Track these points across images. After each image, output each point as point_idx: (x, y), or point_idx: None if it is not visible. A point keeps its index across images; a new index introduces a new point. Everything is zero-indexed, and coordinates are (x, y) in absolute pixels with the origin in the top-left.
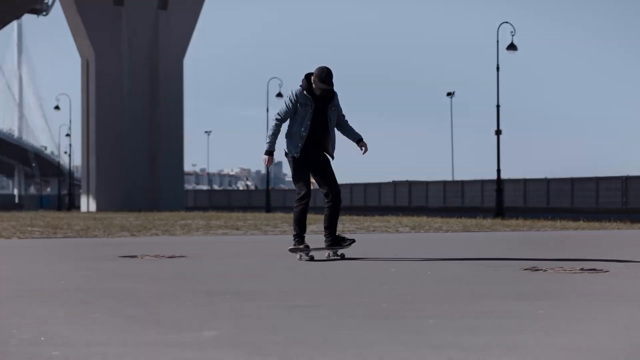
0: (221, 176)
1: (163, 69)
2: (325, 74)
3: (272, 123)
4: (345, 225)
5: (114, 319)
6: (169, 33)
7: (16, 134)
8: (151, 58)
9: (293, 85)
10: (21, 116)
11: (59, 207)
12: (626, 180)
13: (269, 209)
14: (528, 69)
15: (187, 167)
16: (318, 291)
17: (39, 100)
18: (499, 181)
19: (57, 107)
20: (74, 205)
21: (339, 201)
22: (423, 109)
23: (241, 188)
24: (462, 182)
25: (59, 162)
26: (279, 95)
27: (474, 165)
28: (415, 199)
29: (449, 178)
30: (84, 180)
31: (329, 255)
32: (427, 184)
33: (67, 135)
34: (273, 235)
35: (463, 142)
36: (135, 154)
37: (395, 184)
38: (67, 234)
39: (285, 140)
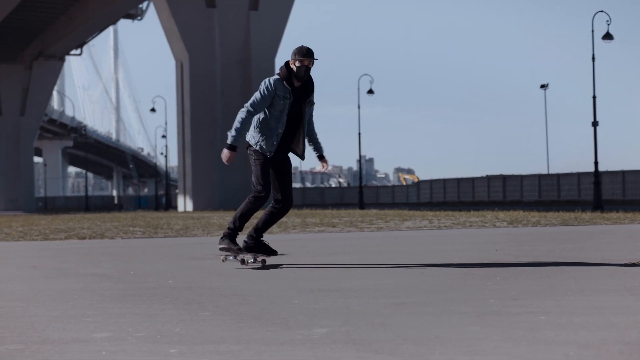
0: (313, 174)
1: (255, 68)
2: (305, 49)
3: (242, 115)
4: (442, 221)
5: (224, 317)
6: (261, 33)
7: (114, 136)
8: (243, 58)
9: (384, 82)
10: (118, 119)
11: (157, 207)
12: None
13: (362, 205)
14: (624, 58)
15: None
16: (421, 288)
17: (135, 103)
18: (597, 173)
19: (152, 110)
20: (170, 205)
21: (287, 210)
22: (516, 102)
23: (333, 185)
24: (558, 175)
25: (155, 163)
26: (370, 92)
27: (570, 158)
28: (510, 193)
29: (544, 171)
30: (180, 181)
31: (247, 260)
32: (521, 177)
33: (163, 136)
34: (369, 232)
35: (558, 134)
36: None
37: (489, 178)
38: (168, 234)
39: (255, 133)
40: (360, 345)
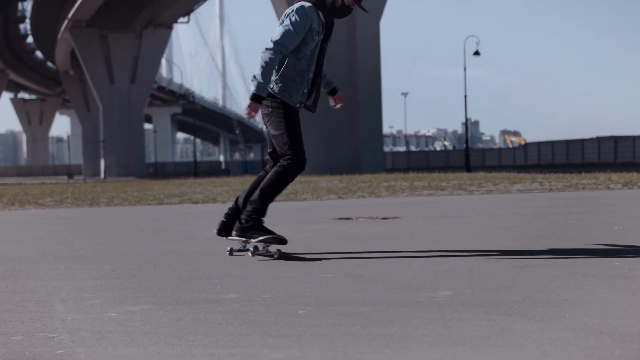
0: (417, 137)
1: (360, 31)
2: None
3: (270, 55)
4: (552, 184)
5: (347, 279)
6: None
7: (220, 102)
8: (348, 21)
9: (491, 44)
10: (224, 85)
11: None
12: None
13: (468, 168)
14: None
15: (384, 129)
16: (542, 250)
17: (241, 69)
18: None
19: None
20: None
21: (301, 170)
22: (629, 58)
23: (438, 148)
24: None
25: (261, 129)
26: (477, 53)
27: None
28: (621, 155)
29: None
30: None
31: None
32: (634, 138)
33: None
34: (479, 195)
35: None
36: (335, 118)
37: (599, 140)
38: (277, 198)
39: (281, 79)
40: (489, 307)
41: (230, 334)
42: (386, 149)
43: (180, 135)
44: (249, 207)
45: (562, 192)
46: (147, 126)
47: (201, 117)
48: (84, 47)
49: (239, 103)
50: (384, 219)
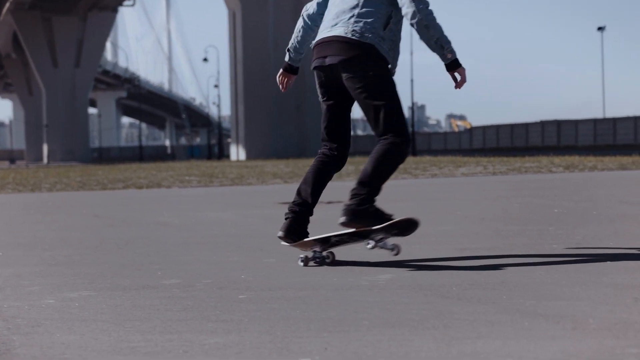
0: (364, 121)
1: None
2: None
3: (433, 17)
4: (496, 167)
5: (289, 264)
6: None
7: (166, 87)
8: (297, 7)
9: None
10: (171, 69)
11: (209, 156)
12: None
13: (414, 152)
14: None
15: None
16: (482, 234)
17: (187, 53)
18: None
19: (205, 59)
20: (223, 155)
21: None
22: (572, 45)
23: None
24: (614, 120)
25: (207, 113)
26: None
27: (627, 102)
28: (565, 138)
29: (599, 116)
30: (233, 130)
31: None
32: (576, 122)
33: (216, 86)
34: (424, 179)
35: (615, 78)
36: (282, 103)
37: (543, 124)
38: (223, 183)
39: (388, 47)
40: (428, 290)
41: (168, 320)
42: None
43: (126, 120)
44: (362, 191)
45: (505, 175)
46: (92, 110)
47: (147, 102)
48: (27, 30)
49: (185, 87)
50: (329, 203)
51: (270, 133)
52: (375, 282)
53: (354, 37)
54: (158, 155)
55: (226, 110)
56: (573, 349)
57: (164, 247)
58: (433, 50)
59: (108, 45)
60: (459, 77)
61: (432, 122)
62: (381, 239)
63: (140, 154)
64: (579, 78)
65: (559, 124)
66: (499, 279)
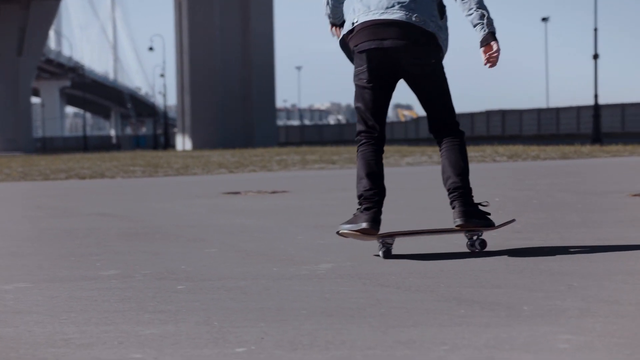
0: (312, 111)
1: (254, 5)
2: None
3: None
4: None
5: (230, 253)
6: None
7: (111, 76)
8: None
9: None
10: (116, 58)
11: (155, 146)
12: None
13: None
14: None
15: (279, 103)
16: (424, 223)
17: (133, 42)
18: (597, 107)
19: (150, 49)
20: (169, 144)
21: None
22: (517, 35)
23: (332, 122)
24: (557, 109)
25: (153, 103)
26: None
27: (570, 92)
28: (509, 128)
29: (543, 105)
30: (179, 120)
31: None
32: (520, 112)
33: (161, 75)
34: None
35: (558, 68)
36: (229, 92)
37: (488, 113)
38: (168, 173)
39: (440, 32)
40: (367, 279)
41: (105, 311)
42: (280, 123)
43: (70, 110)
44: (466, 189)
45: None
46: (35, 100)
47: (91, 91)
48: None
49: (131, 76)
50: (273, 192)
51: (217, 123)
52: (315, 271)
53: (417, 24)
54: (103, 145)
55: (172, 100)
56: (506, 335)
57: (104, 238)
58: (471, 22)
59: (51, 33)
60: (492, 50)
61: None
62: (477, 237)
63: (85, 144)
64: (524, 68)
65: (503, 113)
66: (438, 268)
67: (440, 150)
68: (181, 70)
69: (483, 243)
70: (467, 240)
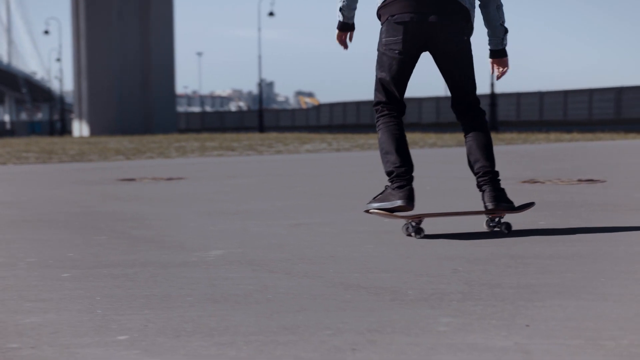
0: (213, 98)
1: None
2: None
3: None
4: (340, 144)
5: (119, 240)
6: None
7: (5, 59)
8: None
9: (285, 5)
10: (10, 41)
11: (52, 132)
12: (620, 91)
13: (262, 129)
14: None
15: (179, 89)
16: (319, 209)
17: (28, 24)
18: (493, 95)
19: (46, 32)
20: (66, 130)
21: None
22: None
23: (233, 109)
24: None
25: (49, 88)
26: (271, 14)
27: None
28: (409, 116)
29: (442, 94)
30: (76, 105)
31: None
32: (420, 100)
33: (58, 60)
34: (268, 155)
35: None
36: (127, 78)
37: None
38: (63, 159)
39: (472, 10)
40: (256, 265)
41: None
42: (180, 109)
43: None
44: (494, 172)
45: (349, 152)
46: None
47: None
48: None
49: (26, 60)
50: (169, 179)
51: (115, 109)
52: (205, 258)
53: (460, 5)
54: None
55: (69, 85)
56: (388, 319)
57: None
58: (493, 32)
59: None
60: (500, 68)
61: (280, 99)
62: (500, 219)
63: None
64: (424, 56)
65: None
66: (329, 253)
67: (465, 130)
68: (78, 55)
69: (509, 226)
70: (489, 221)
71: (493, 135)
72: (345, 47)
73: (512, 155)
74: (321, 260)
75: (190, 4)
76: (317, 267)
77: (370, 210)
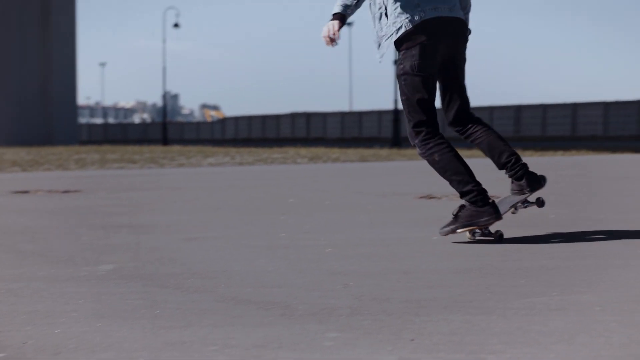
0: (116, 109)
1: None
2: None
3: None
4: (244, 157)
5: (7, 255)
6: None
7: None
8: None
9: (191, 17)
10: None
11: None
12: (492, 110)
13: (165, 142)
14: None
15: (81, 100)
16: (215, 223)
17: None
18: (396, 111)
19: None
20: None
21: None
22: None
23: (137, 121)
24: (360, 113)
25: None
26: (176, 25)
27: (372, 96)
28: (314, 130)
29: (347, 109)
30: None
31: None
32: (325, 115)
33: None
34: (170, 169)
35: (361, 72)
36: (26, 87)
37: (293, 116)
38: None
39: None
40: (147, 280)
41: None
42: (83, 120)
43: None
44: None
45: (252, 166)
46: None
47: None
48: None
49: None
50: (65, 192)
51: (13, 119)
52: (95, 272)
53: (466, 21)
54: None
55: None
56: (276, 334)
57: None
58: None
59: None
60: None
61: (185, 111)
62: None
63: None
64: (328, 71)
65: (308, 116)
66: (221, 268)
67: (470, 137)
68: None
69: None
70: (523, 204)
71: (395, 151)
72: (334, 43)
73: (411, 170)
74: (213, 274)
75: (94, 13)
76: (208, 281)
77: (460, 231)
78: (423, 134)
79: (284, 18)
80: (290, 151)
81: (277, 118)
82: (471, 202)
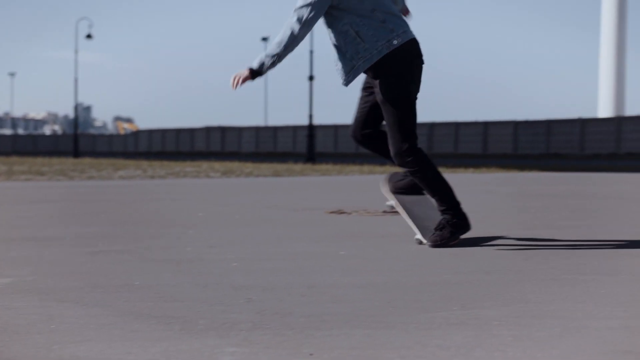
0: (26, 120)
1: None
2: None
3: None
4: (156, 171)
5: None
6: None
7: None
8: None
9: (104, 28)
10: None
11: None
12: (432, 127)
13: (77, 154)
14: None
15: None
16: (121, 236)
17: None
18: (311, 127)
19: None
20: None
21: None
22: (237, 54)
23: (48, 133)
24: (275, 128)
25: None
26: (89, 36)
27: (288, 112)
28: (229, 145)
29: (262, 124)
30: None
31: None
32: (240, 129)
33: None
34: (79, 181)
35: (277, 88)
36: None
37: (208, 130)
38: None
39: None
40: (45, 294)
41: None
42: None
43: None
44: None
45: (164, 179)
46: None
47: None
48: None
49: None
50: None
51: None
52: None
53: None
54: None
55: None
56: (174, 349)
57: None
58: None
59: None
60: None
61: (98, 123)
62: None
63: None
64: (246, 87)
65: (223, 130)
66: (123, 282)
67: (371, 139)
68: None
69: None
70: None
71: (309, 167)
72: (236, 87)
73: (324, 186)
74: (115, 288)
75: (3, 23)
76: (109, 295)
77: (454, 243)
78: (412, 152)
79: (201, 32)
80: (204, 165)
81: (191, 132)
82: (451, 215)
